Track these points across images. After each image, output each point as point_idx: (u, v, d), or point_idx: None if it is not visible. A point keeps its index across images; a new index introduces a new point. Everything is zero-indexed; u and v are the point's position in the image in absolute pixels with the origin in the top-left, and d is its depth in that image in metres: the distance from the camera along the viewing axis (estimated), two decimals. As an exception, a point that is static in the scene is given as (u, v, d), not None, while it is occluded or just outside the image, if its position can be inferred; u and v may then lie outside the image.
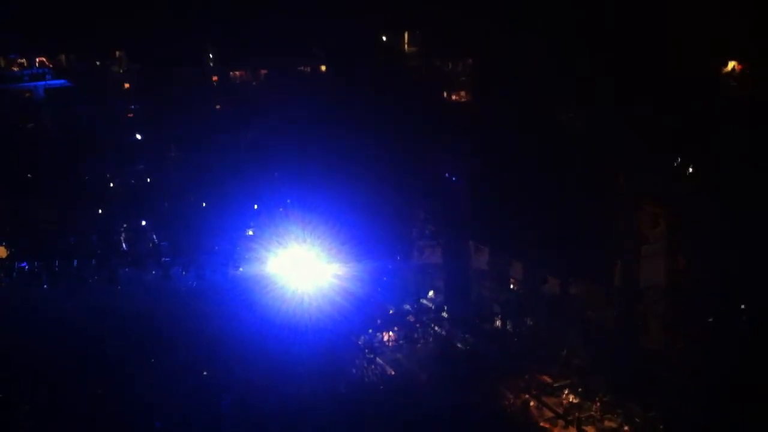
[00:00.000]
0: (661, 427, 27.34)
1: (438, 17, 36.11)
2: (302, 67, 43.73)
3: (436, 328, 31.65)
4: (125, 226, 33.33)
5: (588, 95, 30.04)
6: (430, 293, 37.25)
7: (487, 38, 33.63)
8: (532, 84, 31.06)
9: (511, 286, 35.14)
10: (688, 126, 27.40)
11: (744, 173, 26.53)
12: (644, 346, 29.58)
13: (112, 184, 38.13)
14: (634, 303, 29.15)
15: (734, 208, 26.59)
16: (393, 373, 31.65)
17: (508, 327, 29.42)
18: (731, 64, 30.97)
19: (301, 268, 30.25)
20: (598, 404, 28.78)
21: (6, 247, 31.39)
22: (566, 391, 29.79)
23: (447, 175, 34.64)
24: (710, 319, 27.38)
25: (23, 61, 42.68)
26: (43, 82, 41.82)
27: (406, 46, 42.89)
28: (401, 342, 30.63)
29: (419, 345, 31.52)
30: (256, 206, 34.25)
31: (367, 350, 30.43)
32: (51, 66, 42.81)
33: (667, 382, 28.40)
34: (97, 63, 43.09)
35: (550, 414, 28.96)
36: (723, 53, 30.16)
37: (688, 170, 28.40)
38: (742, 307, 27.61)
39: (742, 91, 30.28)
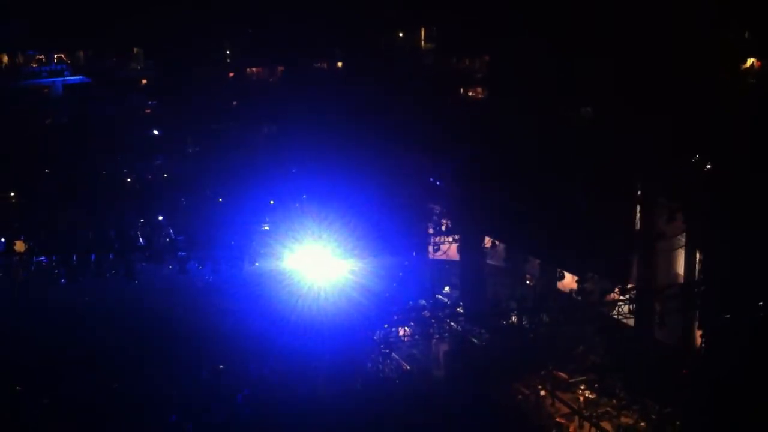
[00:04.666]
0: (678, 423, 27.21)
1: (453, 14, 36.10)
2: (319, 64, 43.83)
3: (452, 323, 31.53)
4: (142, 221, 33.39)
5: (603, 93, 29.89)
6: (446, 289, 37.26)
7: (501, 36, 33.56)
8: (548, 81, 30.96)
9: (527, 282, 35.10)
10: (706, 122, 27.22)
11: (763, 169, 26.33)
12: (661, 343, 29.45)
13: (129, 180, 38.34)
14: (651, 299, 29.00)
15: (752, 204, 26.41)
16: (408, 368, 31.67)
17: (524, 323, 29.26)
18: (750, 61, 30.75)
19: (317, 263, 30.19)
20: (615, 401, 28.71)
21: (24, 241, 31.54)
22: (582, 387, 29.72)
23: (463, 171, 34.55)
24: (728, 315, 27.19)
25: (42, 57, 43.01)
26: (61, 79, 42.13)
27: (422, 42, 42.91)
28: (417, 337, 30.54)
29: (435, 340, 31.44)
30: (272, 202, 34.27)
31: (382, 345, 30.39)
32: (69, 62, 43.12)
33: (683, 378, 28.28)
34: (115, 59, 43.38)
35: (566, 410, 28.90)
36: (742, 51, 29.94)
37: (706, 166, 28.17)
38: (761, 303, 27.40)
39: (761, 88, 30.04)
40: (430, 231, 34.93)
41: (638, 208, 30.25)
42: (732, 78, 28.81)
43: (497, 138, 32.68)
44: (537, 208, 31.09)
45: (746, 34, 29.10)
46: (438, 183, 36.19)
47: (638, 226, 30.42)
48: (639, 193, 30.12)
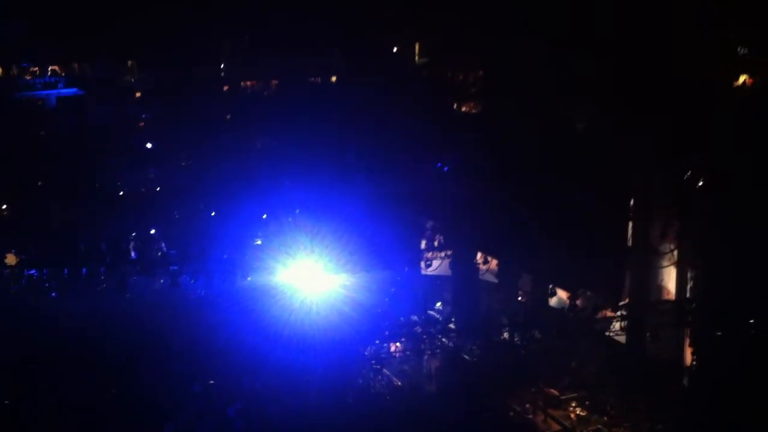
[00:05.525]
0: (669, 440, 27.24)
1: (447, 25, 36.21)
2: (313, 78, 43.89)
3: (444, 339, 31.50)
4: (134, 234, 33.36)
5: (598, 103, 29.97)
6: (438, 304, 37.23)
7: (499, 36, 33.56)
8: (541, 92, 31.01)
9: (519, 298, 35.09)
10: (700, 136, 27.29)
11: (757, 183, 26.39)
12: (653, 359, 29.45)
13: (122, 192, 38.29)
14: (644, 315, 29.02)
15: (746, 218, 26.46)
16: (399, 383, 31.60)
17: (515, 339, 29.27)
18: (742, 78, 30.86)
19: (310, 277, 30.17)
20: (606, 418, 28.67)
21: (15, 254, 31.48)
22: (574, 404, 29.68)
23: (455, 183, 34.59)
24: (719, 333, 27.23)
25: (36, 69, 42.99)
26: (55, 91, 42.10)
27: (416, 56, 42.99)
28: (408, 353, 30.46)
29: (426, 356, 31.40)
30: (265, 216, 34.28)
31: (373, 361, 30.32)
32: (63, 75, 43.10)
33: (676, 394, 28.29)
34: (110, 71, 43.35)
35: (557, 427, 28.86)
36: (736, 65, 30.01)
37: (700, 180, 28.23)
38: (751, 321, 27.44)
39: (754, 102, 30.13)
40: (423, 246, 34.93)
41: (631, 222, 30.32)
42: (732, 78, 28.92)
43: (491, 147, 32.74)
44: (529, 223, 31.10)
45: (740, 50, 29.20)
46: (431, 195, 36.18)
47: (631, 242, 30.48)
48: (633, 206, 30.16)
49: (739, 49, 28.66)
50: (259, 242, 32.70)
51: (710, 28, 27.59)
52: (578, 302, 29.30)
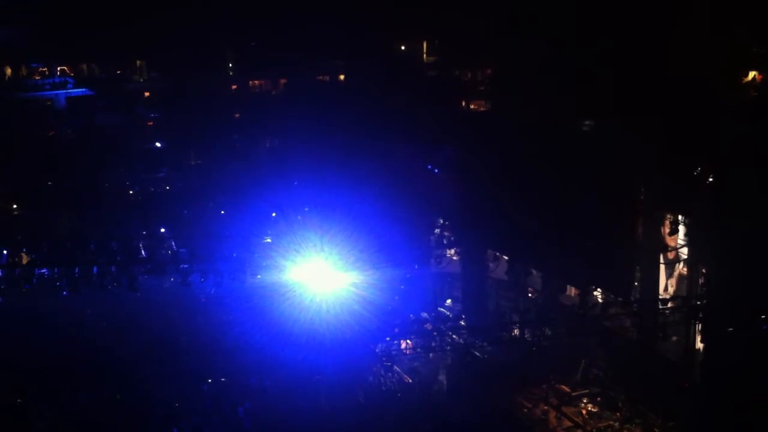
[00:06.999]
0: (681, 437, 27.17)
1: (455, 26, 36.24)
2: (321, 77, 43.96)
3: (454, 336, 31.47)
4: (145, 233, 33.42)
5: (606, 103, 29.92)
6: (448, 301, 37.22)
7: (502, 46, 33.62)
8: (549, 92, 30.99)
9: (530, 295, 35.05)
10: (709, 134, 27.21)
11: (763, 181, 26.29)
12: (664, 356, 29.39)
13: (131, 192, 38.39)
14: (654, 312, 28.93)
15: (755, 217, 26.36)
16: (410, 381, 31.59)
17: (526, 336, 29.19)
18: (752, 74, 30.81)
19: (319, 276, 30.15)
20: (618, 414, 28.63)
21: (26, 253, 31.52)
22: (585, 401, 29.64)
23: (465, 181, 34.56)
24: (730, 328, 27.12)
25: (45, 69, 43.14)
26: (64, 91, 42.21)
27: (424, 55, 43.06)
28: (419, 350, 30.45)
29: (437, 353, 31.38)
30: (274, 214, 34.31)
31: (384, 358, 30.30)
32: (72, 75, 43.23)
33: (687, 392, 28.21)
34: (118, 72, 43.53)
35: (569, 423, 28.80)
36: (744, 63, 29.97)
37: (709, 178, 28.14)
38: (764, 317, 27.32)
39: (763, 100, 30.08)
40: (433, 244, 34.87)
41: (641, 220, 30.24)
42: (735, 80, 28.83)
43: (501, 146, 32.70)
44: (539, 220, 31.05)
45: (752, 48, 29.15)
46: (440, 193, 36.18)
47: (641, 238, 30.41)
48: (642, 203, 30.08)
49: (754, 49, 28.68)
50: (268, 240, 32.67)
51: (712, 28, 27.56)
52: (588, 299, 29.24)
